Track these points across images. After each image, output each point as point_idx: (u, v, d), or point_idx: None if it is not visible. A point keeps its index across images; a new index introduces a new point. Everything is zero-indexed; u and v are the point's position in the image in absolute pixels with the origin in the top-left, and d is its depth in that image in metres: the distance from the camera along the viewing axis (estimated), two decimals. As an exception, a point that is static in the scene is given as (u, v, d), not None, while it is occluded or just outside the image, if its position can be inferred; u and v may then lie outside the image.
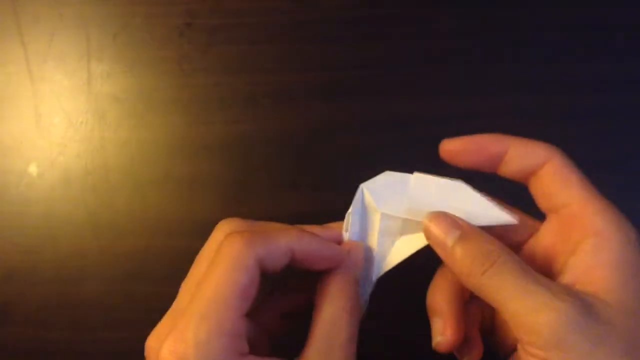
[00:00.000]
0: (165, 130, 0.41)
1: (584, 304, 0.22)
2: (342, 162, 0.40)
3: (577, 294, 0.23)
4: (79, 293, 0.39)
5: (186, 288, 0.26)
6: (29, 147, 0.41)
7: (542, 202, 0.27)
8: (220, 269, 0.23)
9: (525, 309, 0.23)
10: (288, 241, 0.25)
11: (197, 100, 0.41)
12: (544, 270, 0.27)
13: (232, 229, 0.26)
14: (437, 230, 0.26)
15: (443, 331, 0.27)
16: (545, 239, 0.28)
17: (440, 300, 0.28)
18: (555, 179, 0.26)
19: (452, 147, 0.28)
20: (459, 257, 0.25)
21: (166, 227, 0.40)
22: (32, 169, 0.41)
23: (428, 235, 0.27)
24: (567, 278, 0.25)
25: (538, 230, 0.28)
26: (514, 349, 0.26)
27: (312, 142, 0.40)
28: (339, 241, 0.28)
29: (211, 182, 0.40)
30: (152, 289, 0.39)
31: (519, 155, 0.27)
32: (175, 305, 0.26)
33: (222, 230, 0.27)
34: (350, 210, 0.28)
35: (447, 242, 0.26)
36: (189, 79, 0.41)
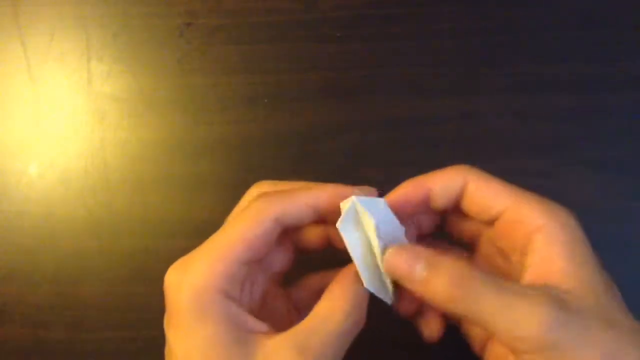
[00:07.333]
0: (165, 130, 0.41)
1: (557, 300, 0.24)
2: (342, 162, 0.40)
3: (548, 291, 0.24)
4: (79, 293, 0.39)
5: None
6: (29, 147, 0.41)
7: (479, 218, 0.28)
8: (238, 223, 0.27)
9: (513, 323, 0.24)
10: (308, 199, 0.28)
11: (197, 100, 0.41)
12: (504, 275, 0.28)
13: (262, 191, 0.29)
14: (401, 264, 0.26)
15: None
16: (492, 247, 0.29)
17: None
18: (481, 194, 0.28)
19: (393, 204, 0.29)
20: (434, 286, 0.25)
21: (166, 227, 0.40)
22: (32, 169, 0.41)
23: (393, 270, 0.26)
24: (528, 278, 0.26)
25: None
26: (485, 340, 0.28)
27: (312, 142, 0.40)
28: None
29: (211, 182, 0.40)
30: (152, 289, 0.39)
31: (440, 188, 0.28)
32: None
33: (251, 193, 0.30)
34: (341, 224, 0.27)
35: (415, 275, 0.26)
36: (189, 79, 0.41)
